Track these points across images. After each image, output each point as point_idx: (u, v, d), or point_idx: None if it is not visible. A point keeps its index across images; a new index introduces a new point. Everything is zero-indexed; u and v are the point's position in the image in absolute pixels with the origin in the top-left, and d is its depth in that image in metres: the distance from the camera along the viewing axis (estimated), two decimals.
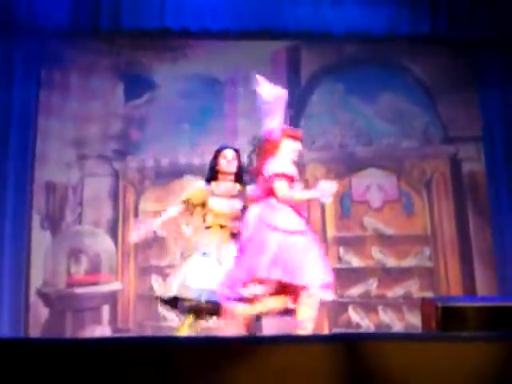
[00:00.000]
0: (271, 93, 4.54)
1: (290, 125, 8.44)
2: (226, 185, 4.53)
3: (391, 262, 8.22)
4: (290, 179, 4.21)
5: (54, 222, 8.25)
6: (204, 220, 4.58)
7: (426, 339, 2.81)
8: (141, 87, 8.69)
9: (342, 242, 8.31)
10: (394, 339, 2.77)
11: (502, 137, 8.48)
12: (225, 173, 4.50)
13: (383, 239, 8.29)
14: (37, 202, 8.23)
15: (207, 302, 4.30)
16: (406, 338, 2.85)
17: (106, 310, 8.09)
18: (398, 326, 7.94)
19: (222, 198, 4.50)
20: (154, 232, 4.82)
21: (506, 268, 8.07)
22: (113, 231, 8.28)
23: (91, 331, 7.88)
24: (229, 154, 4.58)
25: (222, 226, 4.54)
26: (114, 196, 8.41)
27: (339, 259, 8.17)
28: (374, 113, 8.66)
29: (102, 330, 7.95)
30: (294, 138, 4.44)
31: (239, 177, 4.52)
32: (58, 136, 8.42)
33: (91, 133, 8.48)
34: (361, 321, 7.98)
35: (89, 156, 8.46)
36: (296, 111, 8.67)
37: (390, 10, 8.21)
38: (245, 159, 8.19)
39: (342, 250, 8.24)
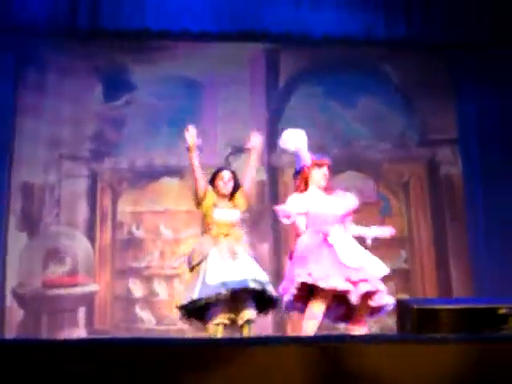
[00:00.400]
0: (295, 140, 4.88)
1: (268, 127, 8.58)
2: (224, 201, 4.90)
3: None
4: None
5: (30, 223, 8.19)
6: (208, 231, 4.82)
7: (400, 341, 2.83)
8: (119, 88, 8.66)
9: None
10: (368, 342, 2.78)
11: (477, 140, 8.58)
12: (222, 193, 4.86)
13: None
14: (13, 203, 8.16)
15: (231, 291, 4.46)
16: (380, 340, 2.86)
17: (82, 312, 8.04)
18: (373, 328, 7.97)
19: (224, 209, 4.84)
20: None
21: (482, 270, 8.15)
22: (90, 232, 8.24)
23: (67, 333, 7.83)
24: (226, 175, 4.94)
25: (225, 235, 4.84)
26: (92, 197, 8.37)
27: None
28: (352, 116, 8.71)
29: (79, 332, 7.91)
30: (320, 165, 4.79)
31: (233, 194, 4.89)
32: (35, 137, 8.36)
33: (69, 134, 8.43)
34: None
35: (66, 157, 8.41)
36: (274, 114, 8.71)
37: (367, 15, 8.27)
38: (224, 161, 8.23)
39: None
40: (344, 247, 4.72)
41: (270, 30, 8.34)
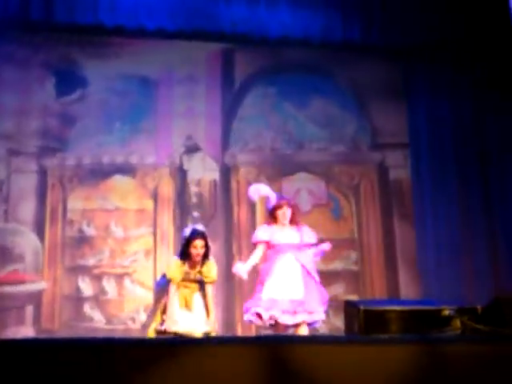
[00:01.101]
0: (261, 191, 5.91)
1: (222, 126, 8.60)
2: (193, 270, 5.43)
3: (318, 264, 8.29)
4: (266, 243, 5.69)
5: None
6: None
7: (347, 342, 2.87)
8: (72, 83, 8.54)
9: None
10: (316, 342, 2.82)
11: (427, 144, 8.72)
12: (194, 259, 5.35)
13: None
14: None
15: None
16: (328, 341, 2.90)
17: (29, 310, 7.90)
18: (323, 329, 8.04)
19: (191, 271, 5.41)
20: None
21: (429, 272, 8.30)
22: (39, 229, 8.10)
23: (14, 332, 7.69)
24: (199, 243, 5.35)
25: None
26: (42, 194, 8.23)
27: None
28: (306, 117, 8.77)
29: (26, 331, 7.77)
30: (279, 207, 5.71)
31: (205, 256, 5.42)
32: None
33: (20, 128, 8.27)
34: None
35: (16, 152, 8.25)
36: (229, 113, 8.71)
37: (323, 17, 8.31)
38: (177, 159, 8.20)
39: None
40: (289, 278, 5.57)
41: (227, 30, 8.31)
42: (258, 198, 5.95)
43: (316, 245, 5.86)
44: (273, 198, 5.81)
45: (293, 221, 5.76)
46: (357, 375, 2.69)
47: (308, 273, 5.66)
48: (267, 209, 5.88)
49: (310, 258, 5.77)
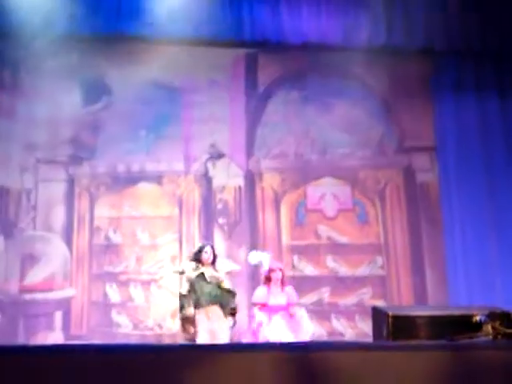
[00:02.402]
0: (258, 258, 6.78)
1: (246, 132, 8.62)
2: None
3: (344, 270, 8.32)
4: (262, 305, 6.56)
5: (6, 227, 8.11)
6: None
7: (374, 348, 2.85)
8: (98, 92, 8.62)
9: (296, 250, 8.38)
10: (343, 349, 2.80)
11: (454, 147, 8.63)
12: (205, 262, 6.34)
13: (337, 248, 8.39)
14: None
15: None
16: (355, 347, 2.89)
17: (58, 317, 7.98)
18: (350, 334, 8.02)
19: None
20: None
21: (457, 277, 8.21)
22: (67, 237, 8.19)
23: (44, 337, 7.78)
24: (208, 250, 6.39)
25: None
26: (69, 201, 8.32)
27: (293, 267, 8.24)
28: (330, 122, 8.74)
29: (55, 337, 7.86)
30: (273, 271, 6.62)
31: (213, 262, 6.41)
32: (12, 140, 8.29)
33: (47, 137, 8.36)
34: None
35: (43, 161, 8.35)
36: (252, 119, 8.72)
37: (346, 20, 8.27)
38: (202, 166, 8.25)
39: (295, 258, 8.31)
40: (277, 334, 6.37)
41: (250, 36, 8.32)
42: (255, 263, 6.82)
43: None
44: (266, 264, 6.70)
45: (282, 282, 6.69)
46: (384, 381, 2.67)
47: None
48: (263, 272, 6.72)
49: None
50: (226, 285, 6.34)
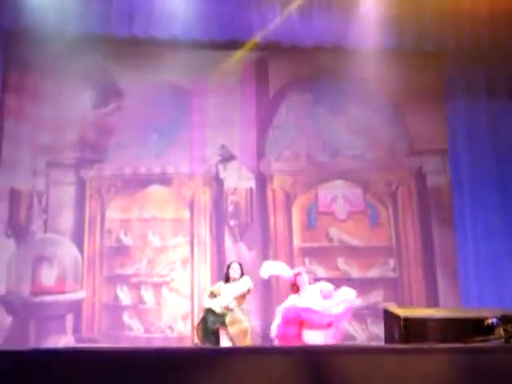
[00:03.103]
0: (275, 269, 6.57)
1: (257, 134, 8.62)
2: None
3: (356, 272, 8.29)
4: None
5: (18, 230, 8.14)
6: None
7: (385, 351, 2.84)
8: (109, 95, 8.63)
9: (307, 252, 8.36)
10: (354, 352, 2.79)
11: (466, 150, 8.59)
12: (233, 278, 6.36)
13: (348, 250, 8.36)
14: (1, 209, 8.12)
15: None
16: (366, 350, 2.87)
17: (70, 319, 8.00)
18: (362, 337, 8.00)
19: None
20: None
21: (469, 280, 8.17)
22: (78, 239, 8.20)
23: (55, 340, 7.79)
24: (235, 267, 6.43)
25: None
26: (80, 204, 8.34)
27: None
28: (341, 125, 8.72)
29: (66, 340, 7.87)
30: (299, 274, 6.36)
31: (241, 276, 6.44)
32: (23, 142, 8.32)
33: (58, 140, 8.39)
34: None
35: (55, 163, 8.37)
36: (263, 122, 8.72)
37: (356, 23, 8.24)
38: (213, 168, 8.26)
39: (307, 260, 8.29)
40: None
41: (261, 39, 8.31)
42: (269, 275, 6.58)
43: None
44: (286, 271, 6.48)
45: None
46: None
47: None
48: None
49: None
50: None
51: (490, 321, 3.51)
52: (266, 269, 6.49)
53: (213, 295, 6.31)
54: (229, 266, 6.51)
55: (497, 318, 3.50)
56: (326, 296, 6.27)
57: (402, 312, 3.77)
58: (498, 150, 8.52)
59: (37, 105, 8.43)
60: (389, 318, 3.89)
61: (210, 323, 6.13)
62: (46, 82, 8.44)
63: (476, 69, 8.74)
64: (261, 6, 8.21)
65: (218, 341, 6.11)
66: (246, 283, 6.33)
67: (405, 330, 3.59)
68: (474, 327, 3.52)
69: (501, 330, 3.44)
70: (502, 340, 3.41)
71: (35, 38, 7.92)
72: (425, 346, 3.21)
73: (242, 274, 6.40)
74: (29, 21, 7.79)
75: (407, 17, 8.29)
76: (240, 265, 6.52)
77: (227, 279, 6.41)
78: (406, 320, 3.61)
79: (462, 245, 8.31)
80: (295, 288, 6.36)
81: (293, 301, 6.24)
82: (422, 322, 3.62)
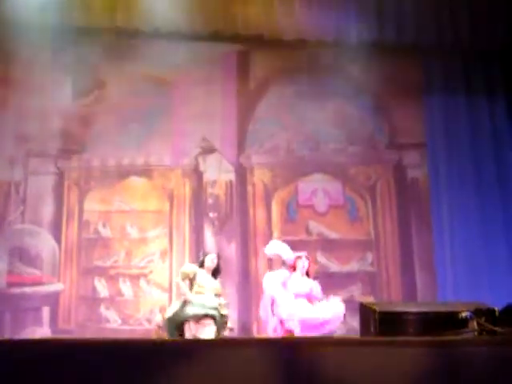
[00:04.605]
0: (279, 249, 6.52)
1: (238, 127, 8.61)
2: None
3: (334, 266, 8.32)
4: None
5: None
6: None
7: (361, 344, 2.85)
8: (90, 85, 8.57)
9: (287, 245, 8.35)
10: (330, 344, 2.80)
11: (445, 144, 8.66)
12: (208, 268, 6.15)
13: (327, 244, 8.38)
14: None
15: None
16: (341, 342, 2.88)
17: (46, 311, 7.93)
18: (340, 330, 8.01)
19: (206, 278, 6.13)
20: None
21: (446, 274, 8.24)
22: (56, 231, 8.14)
23: (31, 332, 7.73)
24: (213, 257, 6.21)
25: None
26: (58, 195, 8.27)
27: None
28: (322, 118, 8.74)
29: (43, 331, 7.81)
30: (300, 258, 6.43)
31: (216, 271, 6.24)
32: (2, 131, 8.25)
33: (37, 130, 8.31)
34: None
35: (33, 153, 8.30)
36: (244, 115, 8.71)
37: (338, 17, 8.27)
38: (193, 160, 8.23)
39: None
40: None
41: (242, 32, 8.30)
42: (272, 255, 6.56)
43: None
44: (288, 253, 6.47)
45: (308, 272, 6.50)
46: (371, 377, 2.68)
47: None
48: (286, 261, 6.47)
49: None
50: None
51: (464, 314, 3.54)
52: (271, 247, 6.55)
53: (187, 279, 6.03)
54: (205, 255, 6.29)
55: (471, 311, 3.53)
56: (313, 298, 6.32)
57: (377, 306, 3.79)
58: (476, 146, 8.60)
59: (17, 94, 8.34)
60: (364, 312, 3.91)
61: (183, 315, 5.82)
62: (27, 73, 8.36)
63: (455, 64, 8.80)
64: None
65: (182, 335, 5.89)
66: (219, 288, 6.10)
67: (380, 324, 3.61)
68: (449, 321, 3.55)
69: (474, 324, 3.47)
70: (475, 333, 3.45)
71: (17, 28, 7.84)
72: (400, 338, 3.23)
73: (218, 267, 6.17)
74: (11, 11, 7.72)
75: (387, 10, 8.34)
76: (218, 257, 6.30)
77: (201, 266, 6.15)
78: (382, 313, 3.63)
79: (440, 239, 8.38)
80: (292, 269, 6.40)
81: (280, 276, 6.22)
82: (397, 316, 3.65)
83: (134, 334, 7.87)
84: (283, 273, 6.37)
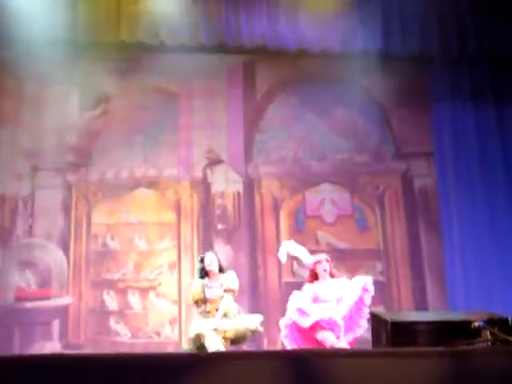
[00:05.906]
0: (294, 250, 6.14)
1: (244, 138, 8.61)
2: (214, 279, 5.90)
3: (343, 276, 8.27)
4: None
5: (3, 234, 8.07)
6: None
7: (373, 355, 2.83)
8: (96, 98, 8.60)
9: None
10: (343, 356, 2.77)
11: (452, 153, 8.63)
12: (213, 273, 5.86)
13: (336, 254, 8.33)
14: None
15: None
16: (353, 354, 2.86)
17: (56, 325, 7.93)
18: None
19: (213, 289, 5.85)
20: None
21: (456, 283, 8.19)
22: (64, 244, 8.14)
23: (41, 347, 7.72)
24: (211, 258, 5.91)
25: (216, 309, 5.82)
26: (66, 208, 8.29)
27: (293, 273, 8.20)
28: (328, 128, 8.73)
29: (52, 346, 7.80)
30: (319, 262, 5.95)
31: (220, 270, 5.93)
32: (8, 146, 8.28)
33: (44, 144, 8.34)
34: None
35: (41, 167, 8.33)
36: (251, 125, 8.71)
37: (343, 27, 8.26)
38: (200, 172, 8.23)
39: (295, 264, 8.26)
40: None
41: (247, 43, 8.30)
42: (286, 256, 6.16)
43: None
44: (306, 256, 6.06)
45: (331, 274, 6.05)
46: None
47: None
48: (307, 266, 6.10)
49: None
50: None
51: (476, 324, 3.51)
52: (285, 248, 6.09)
53: (199, 304, 5.75)
54: (202, 260, 5.91)
55: (483, 321, 3.50)
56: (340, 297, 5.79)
57: (389, 316, 3.76)
58: (484, 153, 8.56)
59: (23, 109, 8.38)
60: (376, 322, 3.88)
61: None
62: (33, 87, 8.41)
63: (461, 72, 8.79)
64: (248, 10, 8.20)
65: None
66: (232, 283, 5.75)
67: (392, 334, 3.58)
68: (461, 330, 3.51)
69: (487, 333, 3.44)
70: (489, 343, 3.41)
71: (22, 43, 7.87)
72: (412, 349, 3.20)
73: (220, 265, 5.86)
74: (16, 26, 7.75)
75: (393, 20, 8.34)
76: (215, 255, 5.98)
77: (206, 274, 5.83)
78: (393, 324, 3.60)
79: (449, 247, 8.33)
80: (313, 276, 5.94)
81: (307, 293, 5.76)
82: (409, 326, 3.62)
83: (143, 347, 7.86)
84: (309, 289, 5.88)
